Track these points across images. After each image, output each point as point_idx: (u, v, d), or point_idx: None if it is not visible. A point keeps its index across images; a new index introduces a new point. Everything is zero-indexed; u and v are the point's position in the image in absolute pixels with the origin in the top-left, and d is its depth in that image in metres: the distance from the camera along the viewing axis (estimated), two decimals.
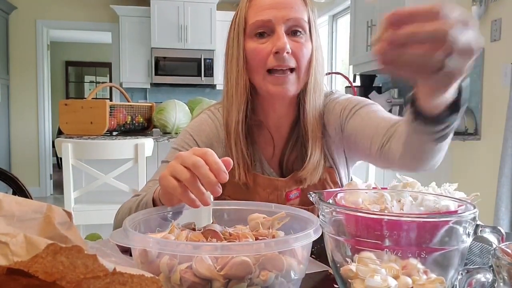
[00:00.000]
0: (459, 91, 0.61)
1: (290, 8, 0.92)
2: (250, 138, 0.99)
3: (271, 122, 1.00)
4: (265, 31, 0.92)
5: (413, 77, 0.53)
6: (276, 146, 1.02)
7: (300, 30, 0.93)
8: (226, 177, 0.59)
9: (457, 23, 0.46)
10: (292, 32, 0.92)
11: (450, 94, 0.59)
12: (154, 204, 0.74)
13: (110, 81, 7.35)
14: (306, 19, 0.94)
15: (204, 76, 5.57)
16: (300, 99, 0.98)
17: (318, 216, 0.55)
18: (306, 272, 0.57)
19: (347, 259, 0.51)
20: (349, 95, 1.06)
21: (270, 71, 0.92)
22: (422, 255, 0.48)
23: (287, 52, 0.90)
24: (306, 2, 0.96)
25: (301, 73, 0.93)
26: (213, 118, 1.03)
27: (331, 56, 5.12)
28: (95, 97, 3.18)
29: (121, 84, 5.42)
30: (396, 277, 0.48)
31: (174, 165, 0.61)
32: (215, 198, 1.00)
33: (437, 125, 0.66)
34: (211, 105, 1.09)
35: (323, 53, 1.00)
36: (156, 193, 0.74)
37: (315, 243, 0.52)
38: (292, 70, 0.92)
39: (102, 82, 8.89)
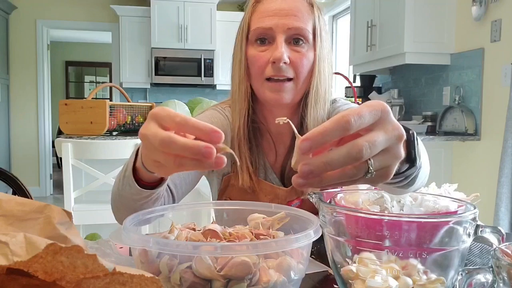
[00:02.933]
0: (408, 145, 0.50)
1: (293, 16, 0.90)
2: (255, 141, 0.98)
3: (272, 127, 1.00)
4: (266, 38, 0.91)
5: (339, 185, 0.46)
6: (278, 153, 1.01)
7: (302, 39, 0.90)
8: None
9: (369, 131, 0.42)
10: (294, 41, 0.90)
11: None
12: (135, 172, 0.65)
13: (110, 81, 7.35)
14: (310, 28, 0.91)
15: (204, 76, 5.57)
16: (302, 109, 0.96)
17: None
18: (306, 272, 0.57)
19: (347, 259, 0.51)
20: (351, 104, 1.04)
21: (268, 78, 0.91)
22: (422, 256, 0.48)
23: (285, 62, 0.88)
24: (313, 8, 0.93)
25: (300, 82, 0.91)
26: (223, 113, 1.01)
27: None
28: (95, 97, 3.18)
29: (121, 84, 5.42)
30: (396, 278, 0.48)
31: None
32: (218, 199, 1.00)
33: (392, 180, 0.54)
34: (215, 104, 1.07)
35: (331, 61, 0.96)
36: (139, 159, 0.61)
37: (315, 243, 0.52)
38: (290, 79, 0.91)
39: (102, 82, 8.90)
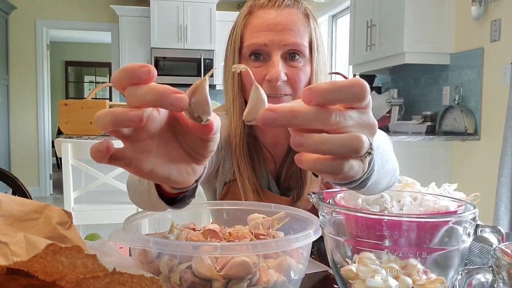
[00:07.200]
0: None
1: (289, 31, 0.86)
2: (255, 153, 0.96)
3: (267, 139, 0.98)
4: (260, 54, 0.88)
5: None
6: (276, 161, 1.00)
7: (299, 53, 0.87)
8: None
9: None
10: (290, 56, 0.87)
11: None
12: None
13: (110, 81, 7.36)
14: (306, 42, 0.88)
15: (203, 76, 5.57)
16: None
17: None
18: (306, 272, 0.57)
19: (347, 259, 0.51)
20: None
21: None
22: (422, 256, 0.48)
23: (282, 80, 0.85)
24: (309, 20, 0.90)
25: (297, 97, 0.88)
26: (226, 117, 0.98)
27: (331, 56, 5.12)
28: (94, 97, 3.17)
29: None
30: (396, 278, 0.48)
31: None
32: (221, 198, 0.99)
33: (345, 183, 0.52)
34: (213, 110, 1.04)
35: (326, 73, 0.94)
36: None
37: (315, 243, 0.52)
38: (286, 94, 0.88)
39: (102, 82, 8.89)
